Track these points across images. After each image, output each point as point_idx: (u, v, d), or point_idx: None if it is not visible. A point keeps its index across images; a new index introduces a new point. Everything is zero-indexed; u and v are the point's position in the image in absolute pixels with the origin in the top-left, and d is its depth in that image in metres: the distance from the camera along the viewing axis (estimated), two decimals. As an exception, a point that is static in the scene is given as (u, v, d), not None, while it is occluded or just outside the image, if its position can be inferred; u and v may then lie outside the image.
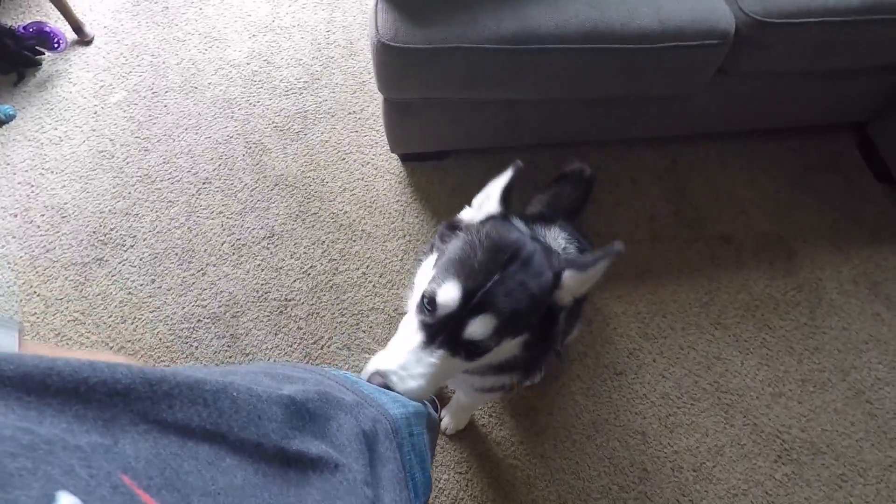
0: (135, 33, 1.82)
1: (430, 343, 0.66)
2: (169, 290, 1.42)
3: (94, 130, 1.63)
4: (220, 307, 1.41)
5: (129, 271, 1.44)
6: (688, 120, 1.61)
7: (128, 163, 1.59)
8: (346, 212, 1.57)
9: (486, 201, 0.77)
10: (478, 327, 0.65)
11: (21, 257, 1.43)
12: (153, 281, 1.43)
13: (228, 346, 1.37)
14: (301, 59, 1.82)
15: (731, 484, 1.32)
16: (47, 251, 1.44)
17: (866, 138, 1.81)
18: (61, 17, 1.72)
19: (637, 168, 1.73)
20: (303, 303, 1.44)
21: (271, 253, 1.50)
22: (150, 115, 1.67)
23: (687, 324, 1.50)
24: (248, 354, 1.37)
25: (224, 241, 1.50)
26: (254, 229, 1.52)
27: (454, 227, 0.77)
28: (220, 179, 1.59)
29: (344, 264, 1.50)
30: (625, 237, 1.60)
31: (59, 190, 1.53)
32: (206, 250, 1.48)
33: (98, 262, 1.44)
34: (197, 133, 1.66)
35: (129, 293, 1.41)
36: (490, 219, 0.75)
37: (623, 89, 1.38)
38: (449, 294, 0.65)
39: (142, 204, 1.54)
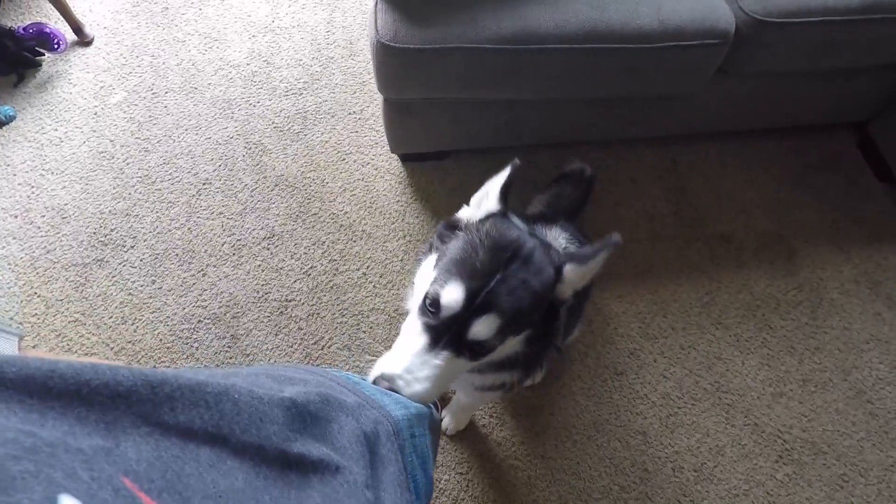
0: (135, 34, 1.81)
1: (435, 345, 0.65)
2: (169, 290, 1.42)
3: (94, 131, 1.63)
4: (220, 308, 1.41)
5: (129, 272, 1.44)
6: (688, 120, 1.61)
7: (128, 164, 1.59)
8: (346, 212, 1.57)
9: (485, 199, 0.77)
10: (482, 327, 0.64)
11: (21, 258, 1.43)
12: (153, 282, 1.43)
13: (229, 346, 1.37)
14: (301, 60, 1.82)
15: (733, 484, 1.32)
16: (48, 252, 1.44)
17: (867, 137, 1.81)
18: (61, 18, 1.72)
19: (637, 168, 1.73)
20: (303, 303, 1.44)
21: (271, 253, 1.50)
22: (150, 116, 1.67)
23: (688, 324, 1.50)
24: (248, 355, 1.37)
25: (224, 242, 1.50)
26: (254, 230, 1.52)
27: (453, 226, 0.76)
28: (220, 180, 1.59)
29: (344, 265, 1.50)
30: (625, 237, 1.57)
31: (60, 191, 1.53)
32: (206, 251, 1.48)
33: (98, 262, 1.44)
34: (197, 134, 1.66)
35: (130, 294, 1.41)
36: (489, 217, 0.74)
37: (623, 89, 1.38)
38: (452, 295, 0.64)
39: (142, 205, 1.54)
